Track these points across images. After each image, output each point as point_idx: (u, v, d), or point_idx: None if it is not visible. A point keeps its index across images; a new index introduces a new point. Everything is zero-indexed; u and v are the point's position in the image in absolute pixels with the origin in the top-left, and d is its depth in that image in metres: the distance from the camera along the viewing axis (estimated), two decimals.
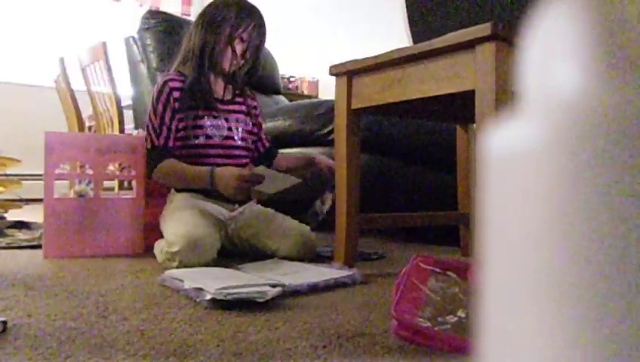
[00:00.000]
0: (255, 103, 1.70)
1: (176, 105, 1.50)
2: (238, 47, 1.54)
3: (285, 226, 1.46)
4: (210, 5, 1.57)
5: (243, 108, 1.65)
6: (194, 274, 1.08)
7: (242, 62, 1.57)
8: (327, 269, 1.21)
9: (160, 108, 1.50)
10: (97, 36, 2.87)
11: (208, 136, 1.53)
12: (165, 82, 1.51)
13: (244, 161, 1.62)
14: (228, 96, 1.62)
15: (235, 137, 1.59)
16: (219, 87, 1.60)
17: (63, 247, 1.48)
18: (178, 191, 1.53)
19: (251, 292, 0.92)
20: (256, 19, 1.55)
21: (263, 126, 1.75)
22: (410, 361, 0.67)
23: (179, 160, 1.51)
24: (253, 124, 1.66)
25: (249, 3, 1.58)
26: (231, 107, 1.61)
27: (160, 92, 1.50)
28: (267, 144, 1.74)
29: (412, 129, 1.84)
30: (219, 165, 1.48)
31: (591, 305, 0.15)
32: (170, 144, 1.50)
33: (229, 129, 1.57)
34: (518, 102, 0.20)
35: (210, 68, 1.55)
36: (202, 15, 1.56)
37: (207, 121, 1.53)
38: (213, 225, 1.41)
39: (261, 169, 1.40)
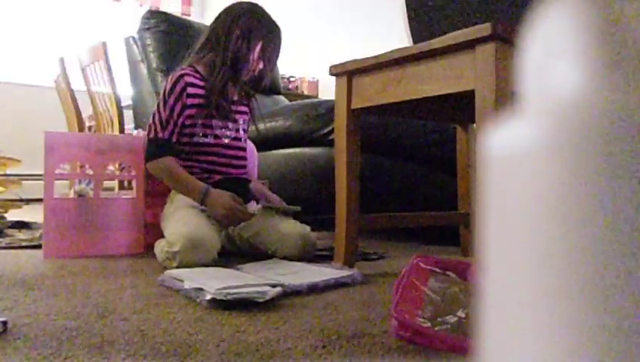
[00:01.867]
0: (254, 108, 1.72)
1: (189, 101, 1.50)
2: (265, 62, 1.57)
3: (285, 227, 1.46)
4: (240, 12, 1.55)
5: (248, 109, 1.67)
6: (194, 274, 1.08)
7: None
8: (327, 269, 1.21)
9: (171, 101, 1.49)
10: (97, 36, 2.87)
11: (217, 136, 1.54)
12: (181, 76, 1.51)
13: (245, 162, 1.63)
14: (236, 97, 1.63)
15: (242, 139, 1.61)
16: (231, 89, 1.61)
17: (63, 247, 1.48)
18: None
19: (251, 292, 0.92)
20: (280, 36, 1.59)
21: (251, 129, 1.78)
22: (410, 361, 0.67)
23: (183, 155, 1.52)
24: (248, 126, 1.69)
25: (272, 18, 1.60)
26: (239, 107, 1.62)
27: (174, 85, 1.49)
28: None
29: (412, 129, 1.84)
30: (224, 165, 1.53)
31: (591, 305, 0.15)
32: (174, 139, 1.50)
33: (237, 130, 1.59)
34: (518, 102, 0.20)
35: (236, 77, 1.56)
36: (235, 20, 1.54)
37: (218, 122, 1.54)
38: (214, 225, 1.41)
39: (255, 208, 1.45)
